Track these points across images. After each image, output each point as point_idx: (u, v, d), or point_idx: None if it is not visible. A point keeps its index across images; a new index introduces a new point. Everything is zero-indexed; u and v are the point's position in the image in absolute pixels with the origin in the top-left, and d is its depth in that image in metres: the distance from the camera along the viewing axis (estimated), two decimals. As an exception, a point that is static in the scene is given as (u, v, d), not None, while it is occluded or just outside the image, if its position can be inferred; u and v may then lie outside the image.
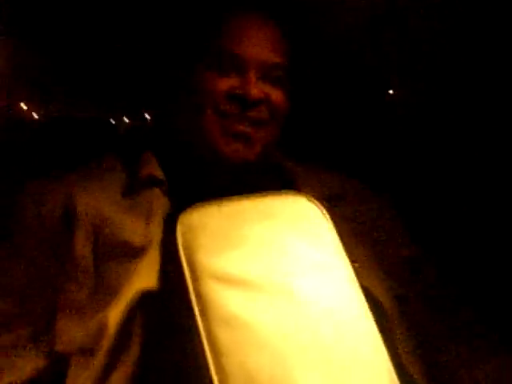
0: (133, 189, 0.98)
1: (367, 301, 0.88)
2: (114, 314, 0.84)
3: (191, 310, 0.77)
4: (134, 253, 0.89)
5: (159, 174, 1.00)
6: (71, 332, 0.87)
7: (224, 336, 0.75)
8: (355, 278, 0.87)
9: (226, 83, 0.99)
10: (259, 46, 1.01)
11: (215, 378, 0.74)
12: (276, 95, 1.03)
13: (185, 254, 0.81)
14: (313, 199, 0.94)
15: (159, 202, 0.96)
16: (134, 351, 0.83)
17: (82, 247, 0.90)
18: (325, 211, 0.93)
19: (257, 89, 0.99)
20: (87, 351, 0.85)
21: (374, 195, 1.17)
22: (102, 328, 0.84)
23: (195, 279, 0.79)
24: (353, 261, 0.96)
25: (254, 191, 0.93)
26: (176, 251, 0.82)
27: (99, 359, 0.83)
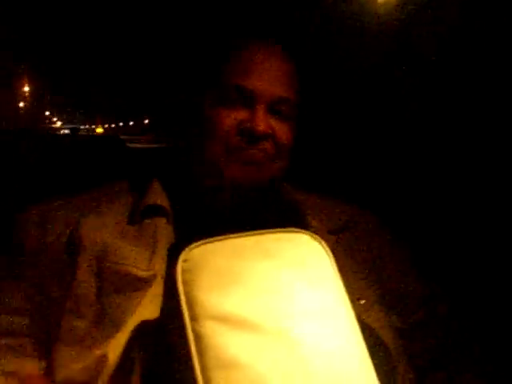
0: (137, 217, 0.98)
1: (371, 340, 0.86)
2: (115, 348, 0.84)
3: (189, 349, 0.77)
4: (137, 285, 0.89)
5: (164, 203, 1.00)
6: (70, 365, 0.86)
7: (220, 379, 0.74)
8: (356, 322, 0.85)
9: (234, 117, 0.99)
10: (269, 79, 1.00)
11: None
12: (282, 130, 1.02)
13: (184, 293, 0.81)
14: (317, 237, 0.91)
15: (163, 233, 0.96)
16: None
17: (85, 277, 0.91)
18: (329, 250, 0.90)
19: (264, 123, 0.99)
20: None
21: (384, 227, 1.16)
22: (101, 362, 0.84)
23: (194, 319, 0.79)
24: (358, 298, 0.95)
25: (261, 224, 0.92)
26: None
27: None
